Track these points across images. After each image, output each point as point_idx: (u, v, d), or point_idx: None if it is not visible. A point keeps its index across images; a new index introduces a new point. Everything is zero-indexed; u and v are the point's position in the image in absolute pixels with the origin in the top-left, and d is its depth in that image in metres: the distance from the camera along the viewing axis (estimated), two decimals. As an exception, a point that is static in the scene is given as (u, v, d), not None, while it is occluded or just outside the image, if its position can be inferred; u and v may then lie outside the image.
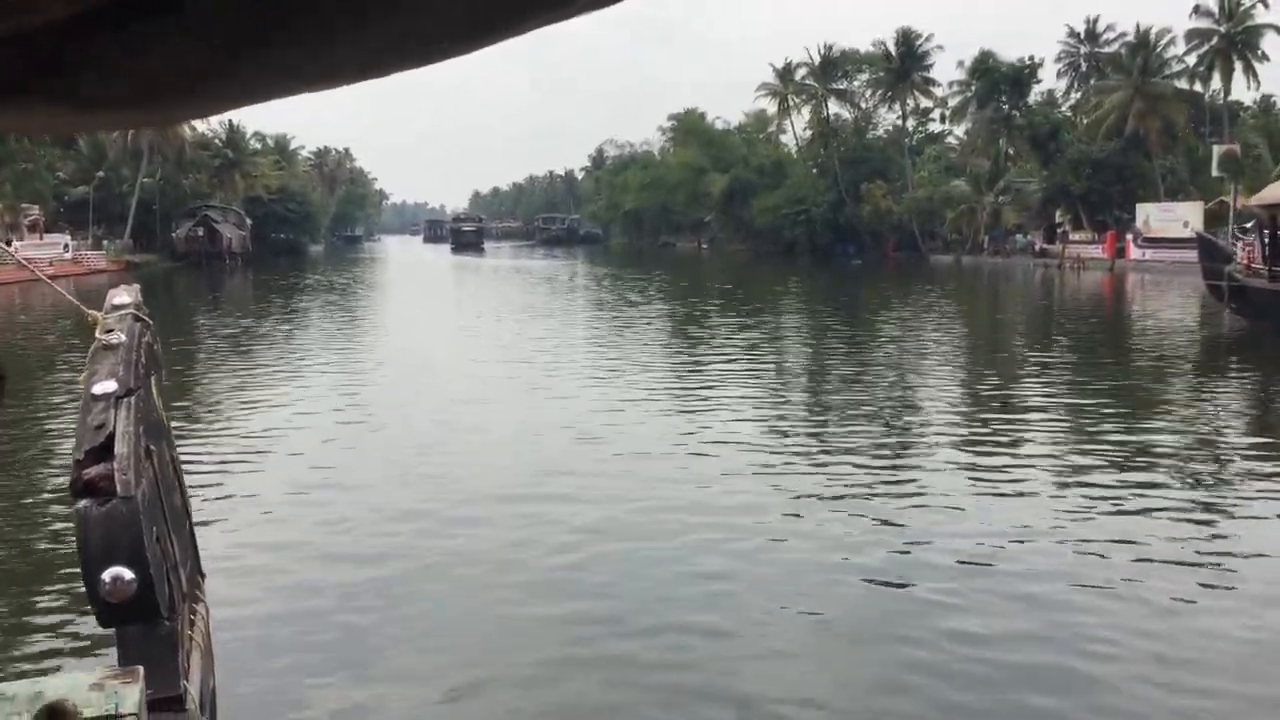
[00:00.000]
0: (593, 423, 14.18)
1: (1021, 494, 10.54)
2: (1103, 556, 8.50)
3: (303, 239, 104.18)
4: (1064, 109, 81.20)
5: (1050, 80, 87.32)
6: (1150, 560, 8.49)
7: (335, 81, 0.86)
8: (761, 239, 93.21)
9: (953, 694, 6.14)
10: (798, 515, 9.77)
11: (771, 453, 12.42)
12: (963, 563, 8.36)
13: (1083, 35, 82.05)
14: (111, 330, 2.80)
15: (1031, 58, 76.26)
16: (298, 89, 0.88)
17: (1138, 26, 69.08)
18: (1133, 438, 13.41)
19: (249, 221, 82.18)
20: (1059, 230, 72.67)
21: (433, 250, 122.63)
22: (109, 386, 2.50)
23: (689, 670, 6.49)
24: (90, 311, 2.92)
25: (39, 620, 7.41)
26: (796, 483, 10.91)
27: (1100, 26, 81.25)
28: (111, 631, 2.47)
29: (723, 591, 7.73)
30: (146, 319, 3.01)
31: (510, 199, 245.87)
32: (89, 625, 6.48)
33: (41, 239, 61.02)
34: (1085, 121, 73.69)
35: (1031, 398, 16.73)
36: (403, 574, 8.19)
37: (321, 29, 0.76)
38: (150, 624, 2.40)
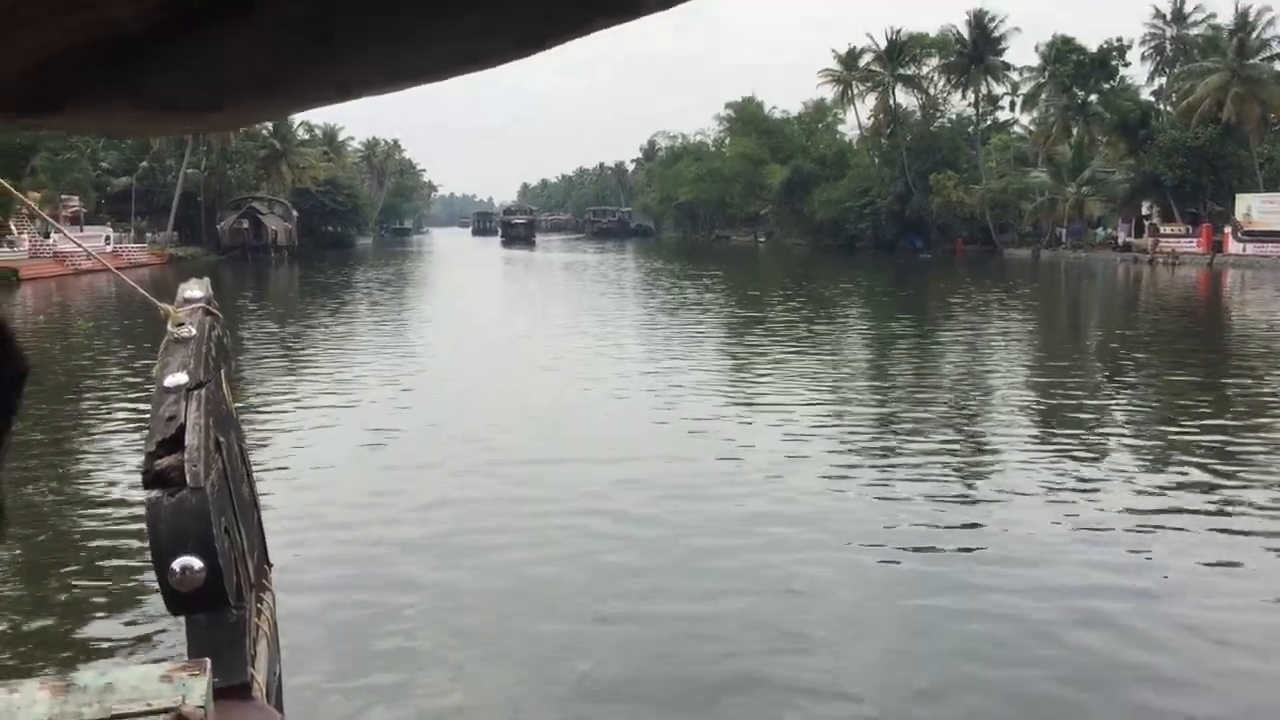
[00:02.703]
0: (655, 431, 13.78)
1: (1103, 522, 9.60)
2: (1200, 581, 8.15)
3: (350, 231, 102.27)
4: (1147, 94, 76.70)
5: (1132, 65, 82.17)
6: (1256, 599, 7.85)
7: (406, 83, 0.88)
8: (822, 232, 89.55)
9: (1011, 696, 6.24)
10: (866, 526, 9.51)
11: (838, 464, 11.89)
12: (1036, 591, 7.87)
13: (1169, 17, 77.42)
14: (183, 324, 2.82)
15: (1119, 39, 71.76)
16: (369, 91, 0.90)
17: (1236, 5, 64.41)
18: (1235, 449, 12.58)
19: (295, 214, 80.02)
20: (1148, 223, 68.27)
21: (482, 244, 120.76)
22: (180, 379, 2.54)
23: (765, 682, 6.39)
24: (163, 305, 2.92)
25: (109, 608, 7.55)
26: (864, 492, 10.65)
27: (1188, 7, 76.59)
28: (180, 619, 2.49)
29: (795, 607, 7.58)
30: (216, 313, 3.05)
31: (560, 191, 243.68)
32: (159, 613, 6.62)
33: (82, 231, 58.98)
34: (1174, 108, 69.16)
35: (1125, 408, 15.83)
36: (467, 568, 8.29)
37: (393, 32, 0.77)
38: (218, 613, 2.42)
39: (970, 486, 10.92)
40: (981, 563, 8.50)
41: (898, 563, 8.57)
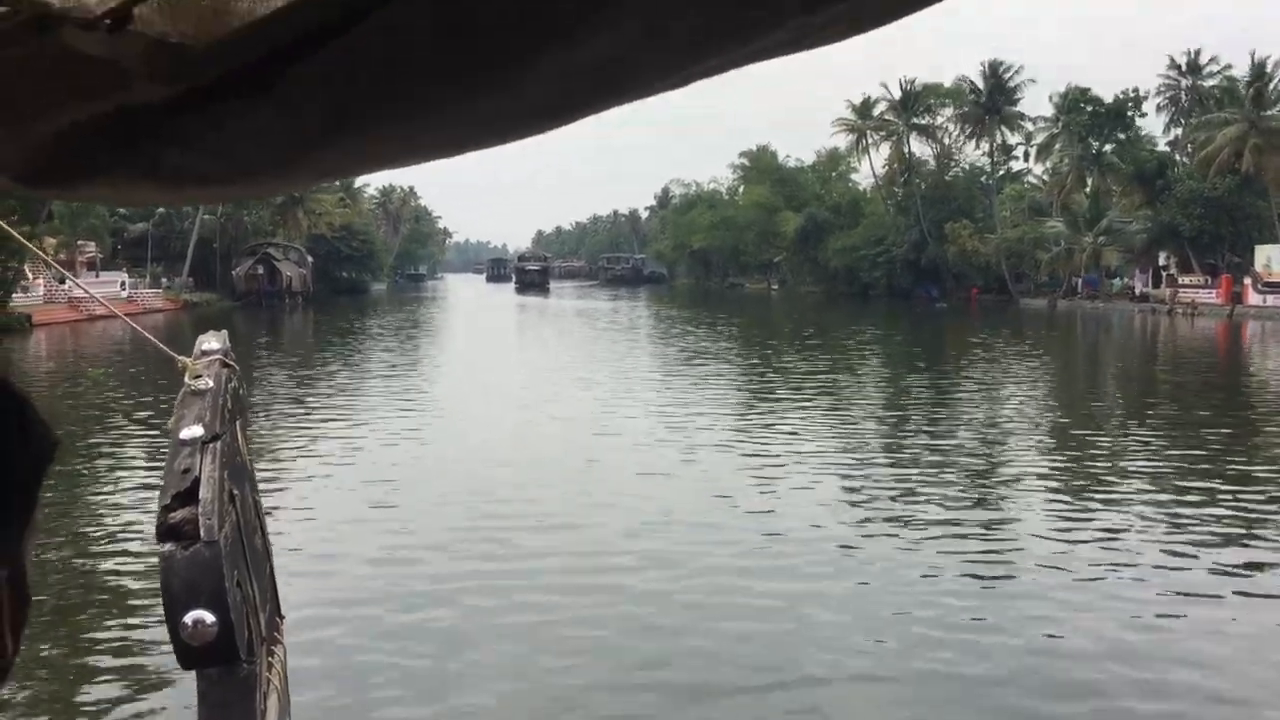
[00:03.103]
0: (662, 479, 13.74)
1: (1125, 580, 9.46)
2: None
3: (365, 277, 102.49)
4: (1162, 145, 76.53)
5: (1148, 115, 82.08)
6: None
7: (425, 158, 0.89)
8: (835, 280, 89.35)
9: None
10: (879, 574, 9.57)
11: (851, 516, 11.87)
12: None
13: (1184, 68, 77.43)
14: (200, 376, 2.84)
15: (1135, 90, 71.73)
16: (388, 165, 0.90)
17: (1252, 57, 64.32)
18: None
19: (310, 259, 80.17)
20: (1165, 273, 67.79)
21: (496, 290, 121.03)
22: (195, 432, 2.53)
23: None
24: (179, 358, 2.97)
25: (120, 662, 7.51)
26: (876, 544, 10.56)
27: (1204, 58, 76.64)
28: (191, 674, 2.46)
29: (810, 672, 7.41)
30: (233, 365, 3.07)
31: (573, 238, 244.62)
32: (170, 666, 6.31)
33: (97, 276, 59.10)
34: (1190, 159, 68.92)
35: (1148, 463, 15.40)
36: (479, 623, 8.22)
37: (411, 111, 0.77)
38: (229, 667, 2.39)
39: (990, 541, 10.80)
40: (997, 623, 8.39)
41: (915, 617, 8.48)
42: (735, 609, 8.58)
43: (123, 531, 10.90)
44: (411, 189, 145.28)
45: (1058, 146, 78.48)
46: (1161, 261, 69.27)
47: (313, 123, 0.79)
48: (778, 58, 0.78)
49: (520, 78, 0.74)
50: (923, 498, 12.66)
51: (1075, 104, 73.83)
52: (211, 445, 2.52)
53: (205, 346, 3.09)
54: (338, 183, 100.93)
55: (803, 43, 0.77)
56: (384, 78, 0.75)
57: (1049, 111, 78.78)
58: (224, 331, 3.27)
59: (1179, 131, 77.46)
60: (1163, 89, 78.07)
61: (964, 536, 10.87)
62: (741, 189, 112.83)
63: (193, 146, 0.84)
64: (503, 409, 20.82)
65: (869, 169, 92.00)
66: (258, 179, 0.95)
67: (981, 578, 9.48)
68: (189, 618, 2.27)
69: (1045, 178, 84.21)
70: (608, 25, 0.71)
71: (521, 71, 0.73)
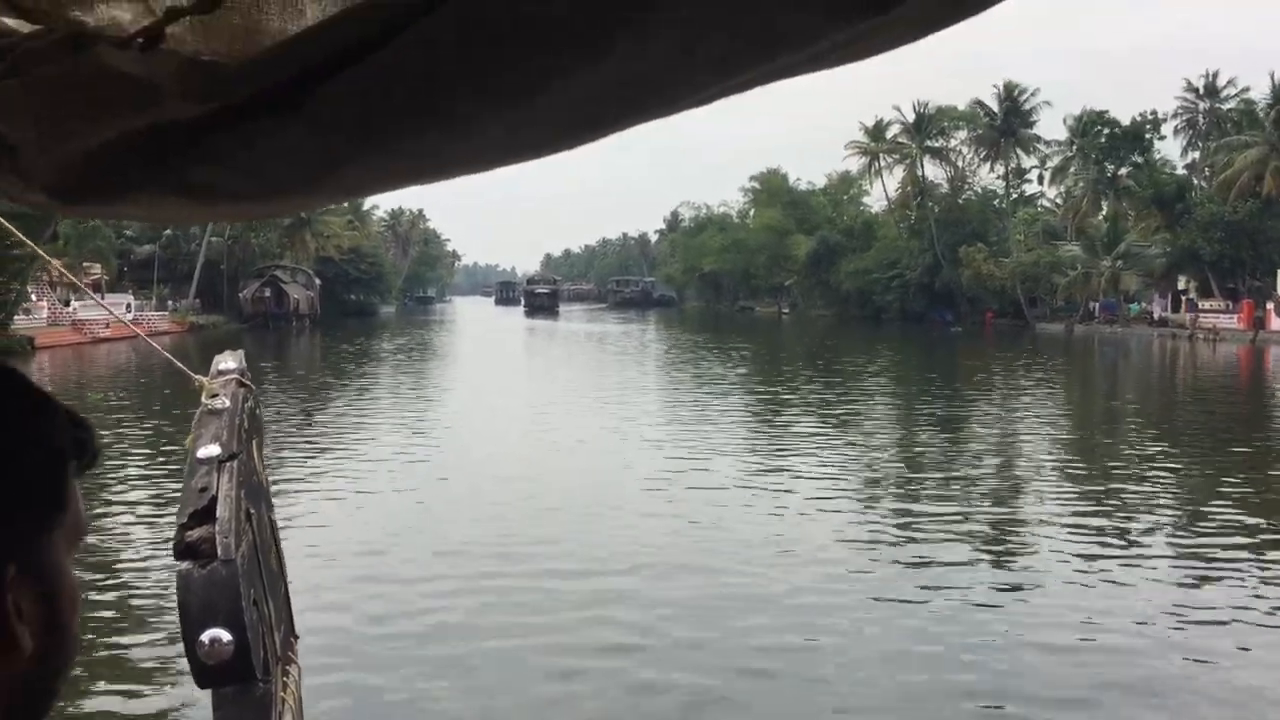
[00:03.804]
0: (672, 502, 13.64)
1: (1142, 613, 9.17)
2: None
3: (373, 300, 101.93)
4: (1180, 168, 75.63)
5: (1166, 138, 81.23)
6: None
7: (453, 174, 0.90)
8: (848, 303, 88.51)
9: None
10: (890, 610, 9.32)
11: (866, 543, 11.66)
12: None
13: (1201, 90, 76.68)
14: (216, 395, 2.84)
15: (1154, 112, 70.92)
16: (416, 181, 0.91)
17: (1272, 79, 63.43)
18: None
19: (318, 282, 79.59)
20: (1184, 298, 66.76)
21: (505, 313, 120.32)
22: (213, 451, 2.55)
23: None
24: (196, 377, 2.99)
25: (136, 680, 7.52)
26: (886, 577, 10.34)
27: (1221, 81, 75.91)
28: (207, 693, 2.47)
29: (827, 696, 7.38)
30: (249, 384, 3.09)
31: (582, 261, 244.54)
32: (184, 685, 6.44)
33: (104, 299, 58.46)
34: (1209, 182, 68.07)
35: (1171, 494, 14.80)
36: (492, 648, 8.15)
37: (439, 127, 0.78)
38: (245, 686, 2.40)
39: (1005, 574, 10.65)
40: (1014, 651, 8.34)
41: (930, 651, 8.35)
42: (747, 640, 8.47)
43: (132, 550, 10.91)
44: (420, 212, 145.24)
45: (1072, 170, 77.71)
46: (1180, 286, 68.28)
47: (342, 140, 0.80)
48: (803, 75, 0.79)
49: (548, 94, 0.74)
50: (940, 527, 12.34)
51: (1091, 127, 73.04)
52: (228, 464, 2.53)
53: (222, 366, 3.09)
54: (346, 204, 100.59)
55: (828, 60, 0.77)
56: (413, 94, 0.75)
57: (1063, 135, 78.23)
58: (240, 351, 3.25)
59: (1196, 155, 76.66)
60: (1180, 111, 77.33)
61: (986, 566, 10.81)
62: (752, 212, 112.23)
63: (223, 164, 0.85)
64: (514, 432, 20.42)
65: (881, 192, 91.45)
66: (287, 196, 0.96)
67: (999, 606, 9.43)
68: (206, 636, 2.26)
69: (1059, 201, 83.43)
70: (636, 44, 0.71)
71: (550, 88, 0.74)
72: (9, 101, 0.85)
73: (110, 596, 9.38)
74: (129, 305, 59.03)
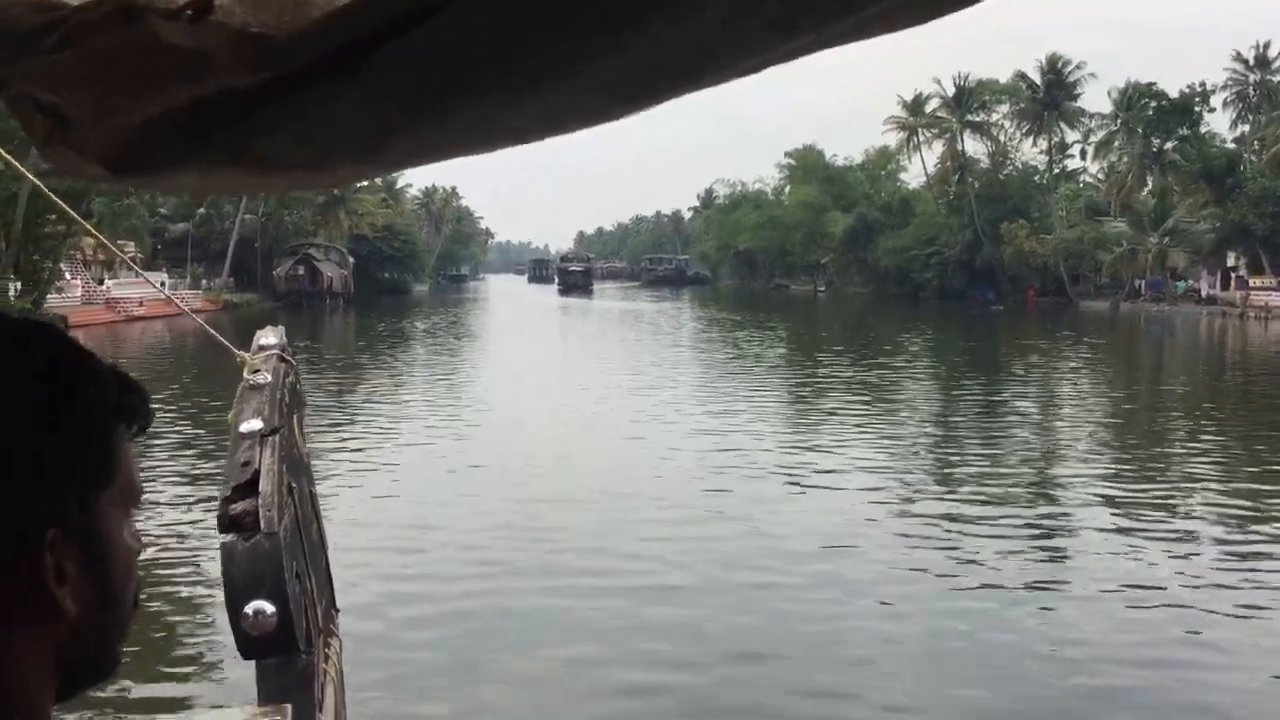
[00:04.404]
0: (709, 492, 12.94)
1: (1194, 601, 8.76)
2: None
3: (407, 278, 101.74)
4: (1228, 142, 73.58)
5: (1216, 110, 79.10)
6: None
7: (505, 143, 0.90)
8: (885, 280, 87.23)
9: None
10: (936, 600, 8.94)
11: (906, 529, 11.37)
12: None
13: (1251, 62, 74.49)
14: (258, 370, 2.86)
15: (1203, 84, 68.97)
16: (468, 151, 0.92)
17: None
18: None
19: (351, 260, 79.36)
20: (1234, 275, 65.04)
21: (539, 290, 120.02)
22: (255, 425, 2.57)
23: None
24: (238, 352, 2.97)
25: (183, 651, 7.70)
26: (928, 557, 10.06)
27: (1272, 52, 73.68)
28: (250, 664, 2.50)
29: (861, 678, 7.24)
30: (290, 360, 3.09)
31: (615, 239, 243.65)
32: (225, 656, 6.76)
33: (137, 276, 58.46)
34: (1257, 156, 66.15)
35: (1220, 481, 13.93)
36: (529, 618, 8.22)
37: (492, 95, 0.78)
38: (288, 657, 2.43)
39: (1047, 561, 10.27)
40: (1057, 642, 8.02)
41: (969, 634, 8.23)
42: (782, 623, 8.38)
43: (175, 524, 10.92)
44: (454, 189, 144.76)
45: (1116, 144, 75.89)
46: (1230, 263, 66.52)
47: (394, 109, 0.81)
48: (852, 43, 0.79)
49: (604, 60, 0.74)
50: (982, 512, 12.02)
51: (1137, 99, 71.19)
52: (270, 438, 2.53)
53: (263, 341, 3.11)
54: (380, 182, 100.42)
55: (875, 27, 0.77)
56: (467, 63, 0.75)
57: (1106, 109, 76.38)
58: (280, 327, 3.26)
59: (1246, 128, 74.60)
60: (1229, 83, 75.19)
61: (1029, 556, 10.32)
62: (788, 189, 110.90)
63: (276, 135, 0.86)
64: (551, 411, 20.12)
65: (920, 167, 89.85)
66: (339, 166, 0.97)
67: (1044, 588, 9.26)
68: (250, 608, 2.26)
69: (1101, 177, 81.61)
70: (694, 7, 0.71)
71: (605, 54, 0.74)
72: (62, 74, 0.86)
73: (158, 571, 9.35)
74: (163, 284, 59.02)
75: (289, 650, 2.38)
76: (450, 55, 0.75)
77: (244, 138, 0.86)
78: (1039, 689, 7.15)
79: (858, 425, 18.24)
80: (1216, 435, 18.12)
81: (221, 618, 2.32)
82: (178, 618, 8.30)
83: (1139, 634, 8.09)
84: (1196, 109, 69.50)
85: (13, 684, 0.68)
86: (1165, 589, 9.10)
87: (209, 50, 0.77)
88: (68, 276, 50.32)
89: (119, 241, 59.17)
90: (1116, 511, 11.99)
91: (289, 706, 2.33)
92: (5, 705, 0.68)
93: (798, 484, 13.36)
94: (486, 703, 6.96)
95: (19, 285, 40.36)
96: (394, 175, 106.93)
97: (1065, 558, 10.36)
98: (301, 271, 72.01)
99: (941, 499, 12.77)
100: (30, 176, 3.02)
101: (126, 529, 0.74)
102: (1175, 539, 10.83)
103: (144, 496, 0.77)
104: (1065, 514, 12.04)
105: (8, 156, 2.75)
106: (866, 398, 22.22)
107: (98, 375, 0.72)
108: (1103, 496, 12.78)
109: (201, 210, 72.04)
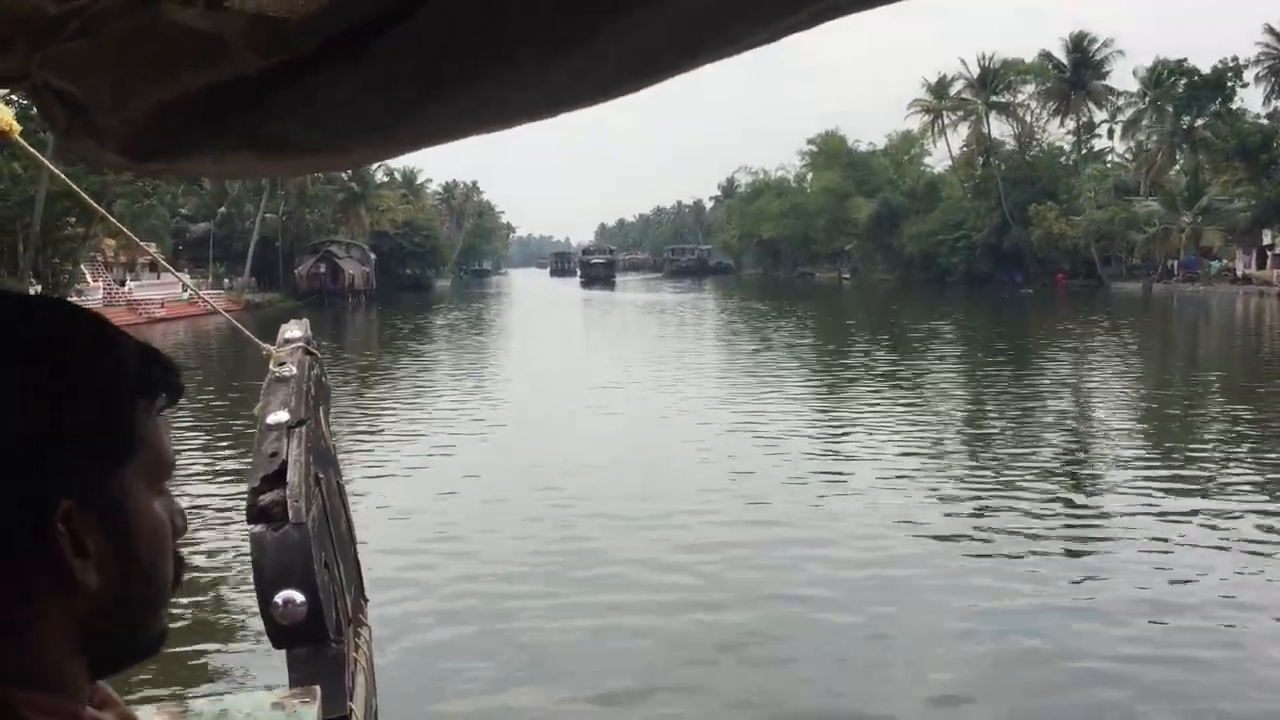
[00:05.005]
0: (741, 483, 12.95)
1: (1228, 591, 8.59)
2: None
3: (429, 273, 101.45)
4: (1261, 117, 71.93)
5: (1248, 86, 77.37)
6: None
7: (516, 121, 0.90)
8: (911, 266, 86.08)
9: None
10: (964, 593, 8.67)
11: (937, 519, 11.13)
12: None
13: (1285, 35, 72.69)
14: (284, 363, 2.88)
15: (1235, 59, 67.44)
16: (481, 130, 0.92)
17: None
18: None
19: (373, 257, 79.06)
20: (1271, 253, 63.62)
21: (561, 284, 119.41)
22: (281, 417, 2.59)
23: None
24: (265, 345, 3.01)
25: (214, 638, 7.79)
26: (960, 547, 9.98)
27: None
28: (281, 652, 2.51)
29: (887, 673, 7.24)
30: (316, 353, 3.12)
31: (637, 230, 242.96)
32: (255, 645, 6.98)
33: (159, 278, 58.31)
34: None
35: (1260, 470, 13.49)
36: (556, 607, 8.28)
37: (502, 74, 0.78)
38: (318, 646, 2.45)
39: (1079, 551, 10.08)
40: (1096, 644, 7.73)
41: (992, 624, 8.13)
42: (810, 618, 8.23)
43: (205, 514, 10.95)
44: (475, 184, 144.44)
45: (1144, 123, 74.39)
46: (1266, 241, 65.09)
47: (401, 91, 0.81)
48: (871, 9, 0.77)
49: (611, 35, 0.74)
50: (1015, 501, 11.81)
51: (1166, 77, 69.72)
52: (297, 430, 2.55)
53: (288, 335, 3.13)
54: (399, 177, 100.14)
55: None
56: (471, 43, 0.75)
57: (1134, 87, 74.87)
58: (305, 320, 3.27)
59: (1279, 103, 72.92)
60: (1261, 58, 73.46)
61: (1065, 548, 10.09)
62: (810, 175, 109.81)
63: (287, 118, 0.86)
64: (579, 404, 19.93)
65: (945, 151, 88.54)
66: (352, 148, 0.97)
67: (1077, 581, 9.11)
68: (280, 597, 2.28)
69: (1128, 156, 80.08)
70: None
71: (612, 29, 0.73)
72: (81, 61, 0.86)
73: (191, 561, 9.16)
74: (184, 284, 58.81)
75: (319, 639, 2.40)
76: (456, 37, 0.75)
77: (259, 121, 0.86)
78: (1078, 695, 6.86)
79: (892, 422, 17.66)
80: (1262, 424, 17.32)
81: (254, 607, 2.31)
82: (211, 608, 8.41)
83: (1180, 637, 7.79)
84: (1229, 85, 67.91)
85: (35, 653, 0.68)
86: (1202, 594, 8.69)
87: (223, 34, 0.78)
88: (89, 279, 50.13)
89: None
90: (1160, 514, 11.28)
91: (317, 688, 2.32)
92: (30, 674, 0.68)
93: (836, 484, 12.78)
94: (516, 703, 6.83)
95: (39, 288, 40.09)
96: (414, 170, 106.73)
97: (1105, 562, 9.77)
98: (323, 269, 71.74)
99: (979, 497, 12.16)
100: (52, 168, 3.10)
101: (159, 504, 0.73)
102: (1217, 545, 10.14)
103: (174, 468, 0.77)
104: (1106, 515, 11.35)
105: (31, 149, 2.77)
106: (900, 392, 21.61)
107: (113, 347, 0.72)
108: (1145, 500, 12.01)
109: (223, 210, 71.86)
